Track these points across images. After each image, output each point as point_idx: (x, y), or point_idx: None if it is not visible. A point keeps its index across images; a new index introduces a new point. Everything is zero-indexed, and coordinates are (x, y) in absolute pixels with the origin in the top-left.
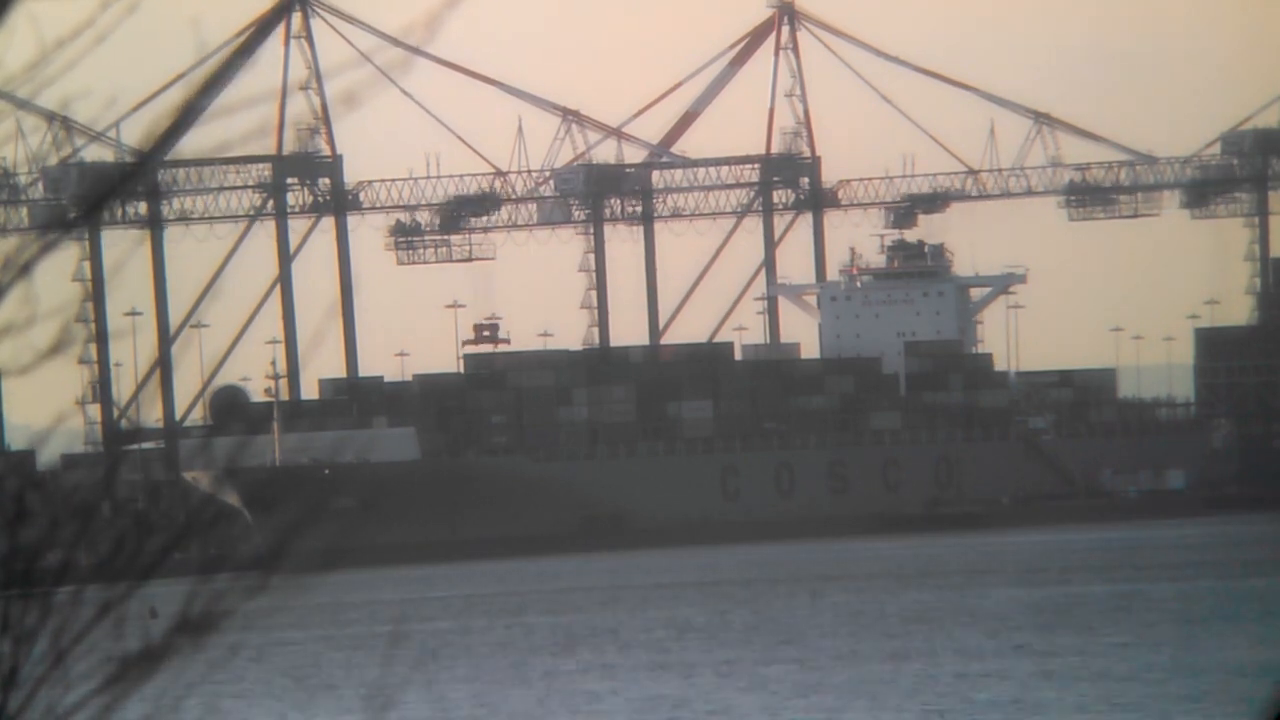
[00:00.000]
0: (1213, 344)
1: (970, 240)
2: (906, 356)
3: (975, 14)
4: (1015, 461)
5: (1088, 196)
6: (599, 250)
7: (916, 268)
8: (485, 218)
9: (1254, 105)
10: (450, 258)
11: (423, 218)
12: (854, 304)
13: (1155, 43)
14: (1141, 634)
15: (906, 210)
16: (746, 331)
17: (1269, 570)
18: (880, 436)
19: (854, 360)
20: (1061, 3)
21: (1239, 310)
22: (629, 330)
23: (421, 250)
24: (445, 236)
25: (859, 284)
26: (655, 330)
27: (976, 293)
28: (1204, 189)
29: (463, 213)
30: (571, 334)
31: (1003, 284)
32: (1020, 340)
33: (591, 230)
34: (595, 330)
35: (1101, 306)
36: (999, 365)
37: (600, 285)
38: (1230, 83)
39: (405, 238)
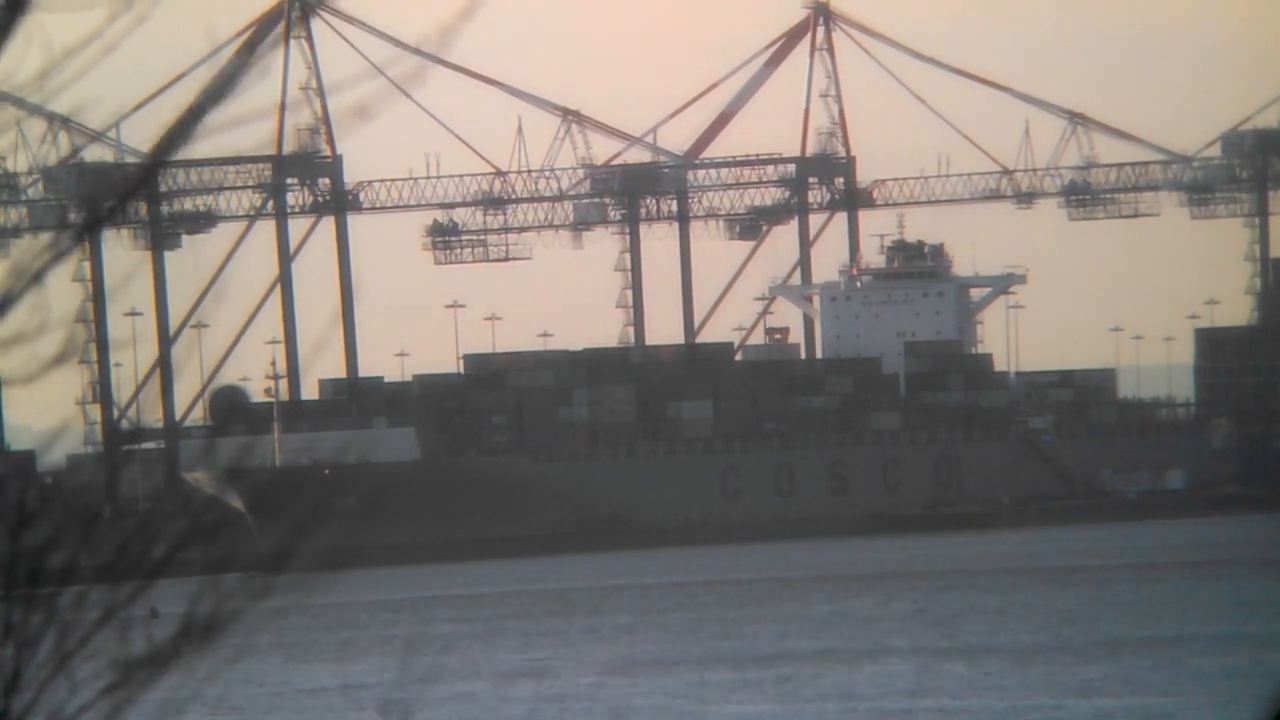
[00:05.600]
0: (1213, 344)
1: (970, 240)
2: (906, 356)
3: (1008, 13)
4: (1015, 461)
5: (1088, 196)
6: (634, 250)
7: (916, 268)
8: (516, 216)
9: (1254, 105)
10: (487, 257)
11: (456, 217)
12: (854, 304)
13: (1155, 42)
14: (1138, 633)
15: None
16: (765, 332)
17: (1269, 570)
18: (880, 436)
19: (854, 360)
20: (1073, 4)
21: (1239, 310)
22: (663, 330)
23: (459, 250)
24: (482, 236)
25: (859, 284)
26: (690, 330)
27: (976, 293)
28: (1204, 189)
29: (493, 210)
30: (606, 333)
31: (1003, 284)
32: (1020, 340)
33: (627, 230)
34: (630, 330)
35: (1101, 306)
36: (999, 365)
37: (636, 285)
38: (1230, 83)
39: (443, 237)
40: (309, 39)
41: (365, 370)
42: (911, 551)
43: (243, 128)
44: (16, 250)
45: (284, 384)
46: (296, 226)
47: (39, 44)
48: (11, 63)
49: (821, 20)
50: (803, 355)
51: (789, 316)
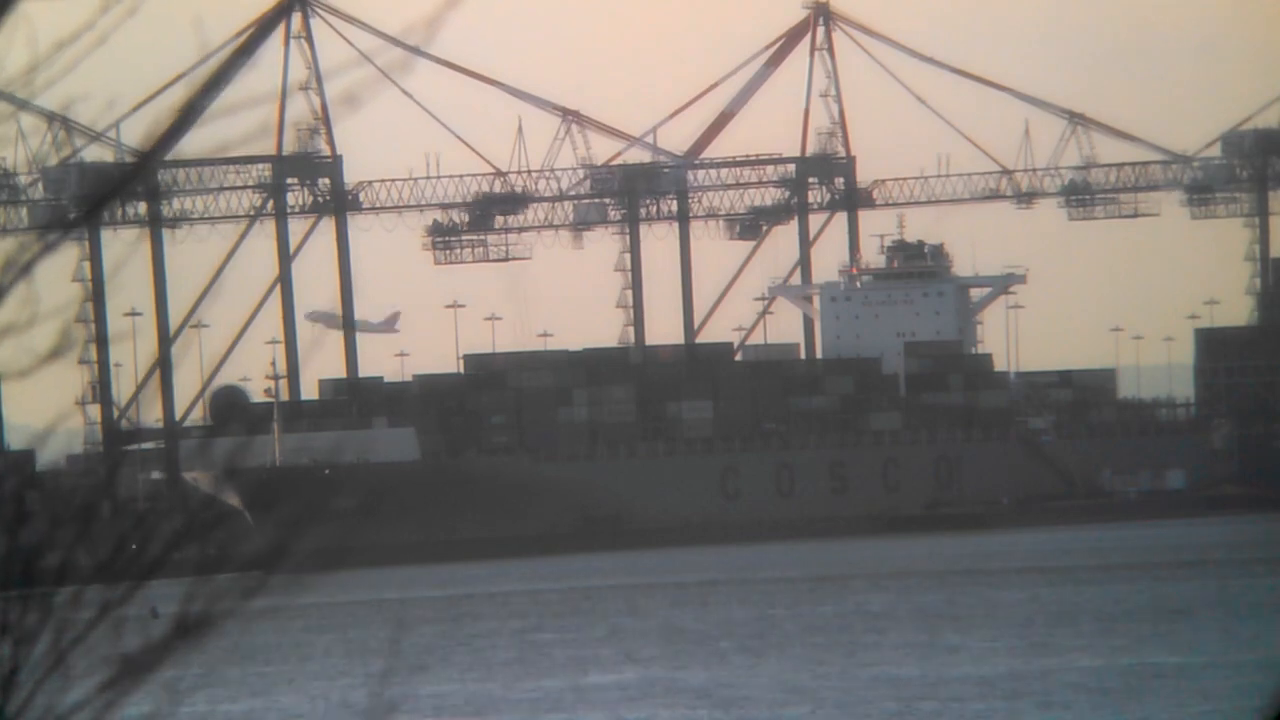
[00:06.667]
0: (1213, 344)
1: (970, 240)
2: (906, 357)
3: (1008, 13)
4: (1015, 462)
5: (1088, 196)
6: (634, 250)
7: (916, 268)
8: (516, 217)
9: (1254, 105)
10: (487, 257)
11: (456, 217)
12: (854, 304)
13: (1155, 42)
14: (1140, 633)
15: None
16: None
17: (1269, 570)
18: (880, 437)
19: (854, 360)
20: (1073, 4)
21: (1239, 310)
22: (663, 330)
23: (459, 250)
24: (482, 236)
25: (859, 284)
26: (690, 330)
27: (976, 293)
28: (1204, 189)
29: (491, 211)
30: (606, 333)
31: (1003, 284)
32: (1020, 340)
33: (627, 230)
34: (631, 330)
35: (1101, 306)
36: (999, 365)
37: (636, 285)
38: (1230, 83)
39: (443, 238)
40: (309, 39)
41: (365, 370)
42: (912, 551)
43: (243, 128)
44: (6, 243)
45: (284, 384)
46: (296, 226)
47: (28, 37)
48: (2, 56)
49: (821, 20)
50: (803, 355)
51: (789, 316)
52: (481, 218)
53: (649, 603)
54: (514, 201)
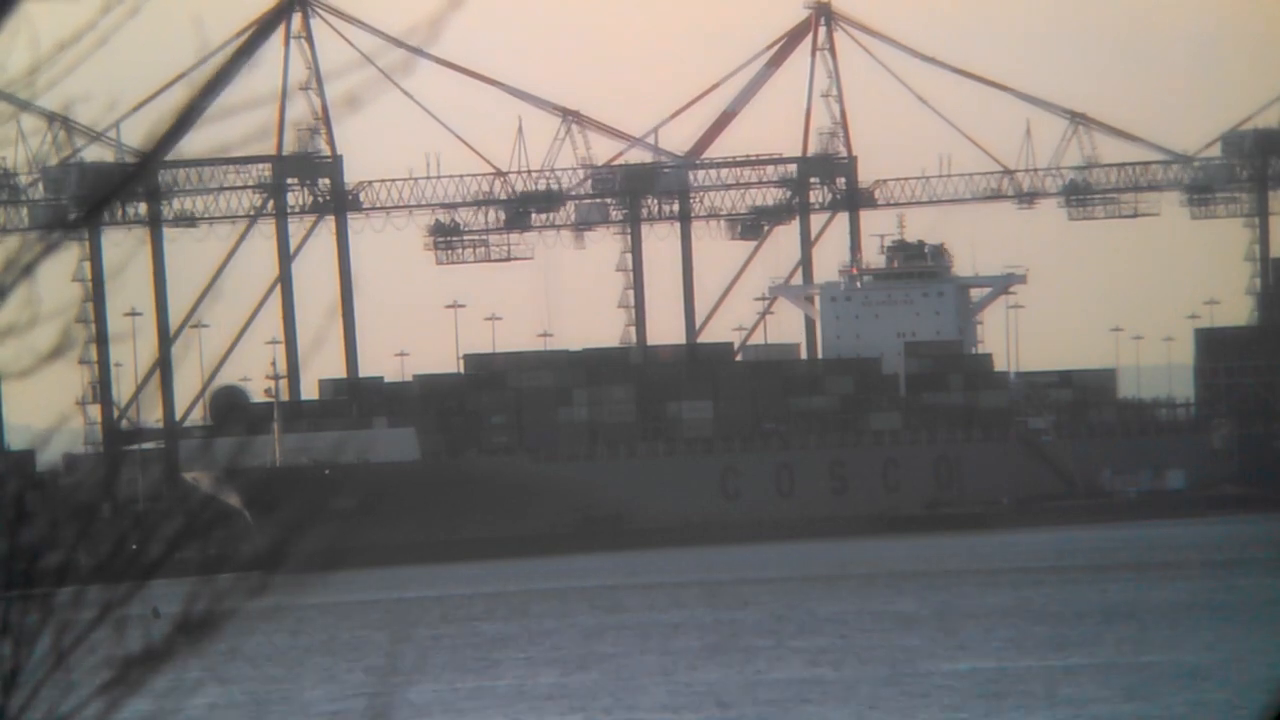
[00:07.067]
0: (1213, 344)
1: (970, 240)
2: (906, 357)
3: (1009, 13)
4: (1015, 462)
5: (1088, 196)
6: (636, 250)
7: (916, 268)
8: (550, 215)
9: (1254, 105)
10: (489, 258)
11: (465, 216)
12: (854, 304)
13: (1155, 42)
14: (1141, 634)
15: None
16: (762, 332)
17: (1269, 570)
18: (880, 437)
19: (854, 360)
20: (1073, 3)
21: (1239, 310)
22: (664, 330)
23: (460, 250)
24: (484, 236)
25: (859, 284)
26: (692, 330)
27: (976, 293)
28: (1204, 189)
29: (529, 209)
30: (607, 333)
31: (1003, 284)
32: (1020, 340)
33: (628, 230)
34: (632, 330)
35: (1101, 306)
36: (999, 365)
37: (637, 285)
38: (1230, 83)
39: (444, 238)
40: (309, 39)
41: (365, 370)
42: (912, 551)
43: (243, 128)
44: (7, 243)
45: (284, 384)
46: (296, 227)
47: (30, 37)
48: (3, 57)
49: (823, 20)
50: (803, 355)
51: (790, 316)
52: (520, 215)
53: (649, 602)
54: (552, 199)
